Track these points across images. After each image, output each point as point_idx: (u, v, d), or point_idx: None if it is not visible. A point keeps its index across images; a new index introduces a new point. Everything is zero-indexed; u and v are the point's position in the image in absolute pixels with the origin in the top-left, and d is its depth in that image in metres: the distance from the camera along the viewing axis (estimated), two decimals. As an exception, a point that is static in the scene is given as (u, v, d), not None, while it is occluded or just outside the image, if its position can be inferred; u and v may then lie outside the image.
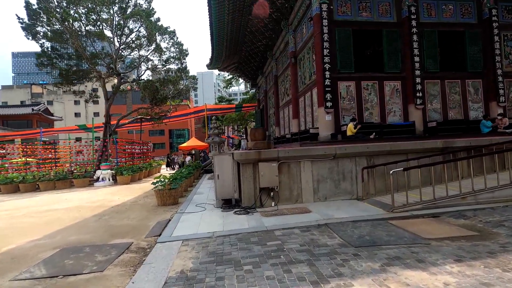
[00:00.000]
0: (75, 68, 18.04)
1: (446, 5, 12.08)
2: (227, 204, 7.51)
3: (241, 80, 40.51)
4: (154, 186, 8.67)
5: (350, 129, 9.94)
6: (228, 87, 46.39)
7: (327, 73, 10.93)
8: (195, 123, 72.70)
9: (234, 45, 20.57)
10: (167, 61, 19.28)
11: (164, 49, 19.23)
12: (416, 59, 11.45)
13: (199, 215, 6.67)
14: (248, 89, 45.84)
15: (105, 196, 11.35)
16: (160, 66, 19.69)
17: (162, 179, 8.94)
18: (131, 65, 20.50)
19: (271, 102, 22.29)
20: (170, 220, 6.58)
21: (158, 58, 19.38)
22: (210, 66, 24.96)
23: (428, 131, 11.44)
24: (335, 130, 11.03)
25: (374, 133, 10.16)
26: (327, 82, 10.91)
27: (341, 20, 11.46)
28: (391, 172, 5.98)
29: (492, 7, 11.95)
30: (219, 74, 44.34)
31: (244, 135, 36.93)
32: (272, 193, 7.02)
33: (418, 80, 11.42)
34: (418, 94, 11.40)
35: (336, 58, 11.29)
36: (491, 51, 11.96)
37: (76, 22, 16.25)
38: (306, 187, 7.20)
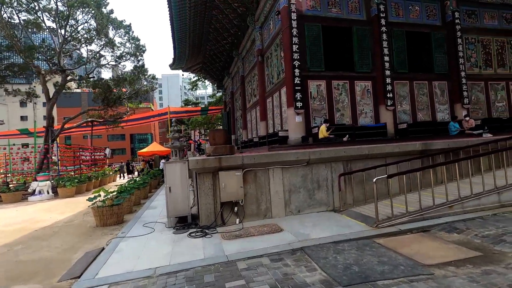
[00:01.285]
0: (6, 62, 15.34)
1: (412, 5, 11.93)
2: (182, 222, 6.16)
3: (207, 82, 38.91)
4: (92, 203, 7.02)
5: (323, 131, 9.12)
6: (194, 89, 44.46)
7: (297, 71, 10.07)
8: (160, 127, 69.11)
9: (198, 43, 19.18)
10: (121, 57, 17.27)
11: (118, 44, 17.21)
12: (386, 58, 11.07)
13: (144, 240, 5.26)
14: (215, 92, 44.31)
15: (34, 215, 9.30)
16: (113, 63, 17.58)
17: (105, 193, 7.33)
18: (79, 61, 18.11)
19: (238, 104, 21.17)
20: (103, 249, 5.08)
21: (111, 53, 17.28)
22: (173, 66, 23.24)
23: (399, 133, 11.07)
24: (306, 133, 10.18)
25: (347, 136, 9.45)
26: (297, 80, 10.05)
27: (310, 15, 10.71)
28: (374, 180, 5.12)
29: (455, 10, 12.02)
30: (182, 74, 42.17)
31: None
32: (236, 208, 5.83)
33: (388, 80, 11.03)
34: (388, 95, 11.00)
35: (306, 55, 10.50)
36: (455, 54, 12.01)
37: (6, 7, 13.75)
38: (276, 199, 6.12)
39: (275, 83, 12.37)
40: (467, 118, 10.89)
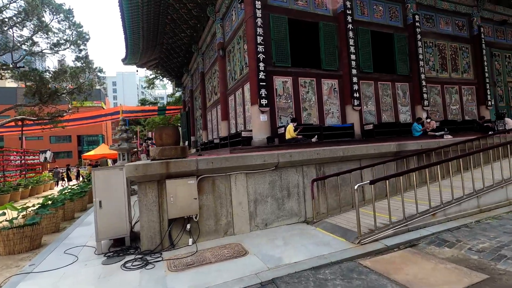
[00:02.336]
0: None
1: (376, 5, 11.78)
2: (118, 245, 4.78)
3: (166, 81, 36.49)
4: (-8, 223, 5.26)
5: (290, 131, 8.29)
6: (151, 88, 41.53)
7: (261, 65, 9.15)
8: (112, 127, 63.83)
9: (153, 35, 17.40)
10: (58, 44, 14.82)
11: (56, 30, 14.75)
12: (353, 57, 10.68)
13: (57, 278, 3.80)
14: (175, 91, 41.88)
15: None
16: (48, 51, 15.02)
17: (13, 209, 5.58)
18: (5, 47, 15.19)
19: (198, 103, 19.73)
20: (-8, 295, 3.54)
21: (46, 40, 14.73)
22: (126, 61, 21.00)
23: (365, 134, 10.74)
24: (272, 133, 9.29)
25: (316, 136, 8.74)
26: (262, 75, 9.13)
27: (276, 6, 9.89)
28: (356, 187, 4.31)
29: (415, 13, 12.16)
30: (137, 71, 39.30)
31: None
32: (189, 225, 4.63)
33: (355, 79, 10.65)
34: (355, 95, 10.61)
35: (271, 49, 9.64)
36: (415, 56, 12.12)
37: None
38: (239, 211, 5.04)
39: (238, 79, 11.34)
40: (428, 120, 10.95)
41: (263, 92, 9.06)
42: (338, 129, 10.05)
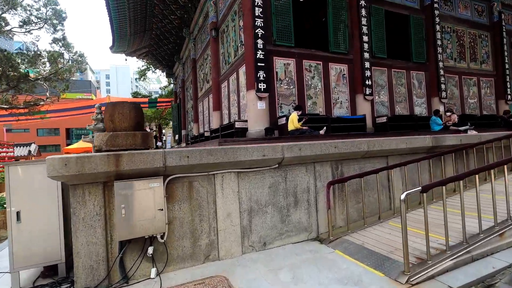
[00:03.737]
0: None
1: (392, -19, 10.33)
2: (50, 275, 3.28)
3: (159, 72, 34.63)
4: None
5: (293, 121, 6.83)
6: (143, 79, 39.64)
7: (260, 42, 7.64)
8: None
9: (141, 18, 15.75)
10: (29, 22, 13.09)
11: (27, 6, 13.00)
12: (365, 39, 9.24)
13: None
14: (168, 83, 40.03)
15: None
16: (17, 28, 13.27)
17: None
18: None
19: (189, 94, 18.13)
20: None
21: (16, 17, 12.98)
22: (114, 48, 19.29)
23: (377, 127, 9.34)
24: (271, 124, 7.83)
25: (324, 128, 7.30)
26: (260, 54, 7.63)
27: (277, -26, 8.38)
28: (403, 196, 2.85)
29: (434, -7, 10.74)
30: (125, 59, 37.50)
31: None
32: (151, 248, 3.14)
33: (367, 65, 9.21)
34: (367, 82, 9.18)
35: (272, 24, 8.14)
36: (433, 42, 10.72)
37: None
38: (227, 226, 3.57)
39: (232, 62, 9.81)
40: (449, 113, 9.58)
41: (261, 74, 7.57)
42: (348, 121, 8.62)
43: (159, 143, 19.43)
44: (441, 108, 10.56)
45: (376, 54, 9.63)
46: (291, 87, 8.39)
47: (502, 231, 3.45)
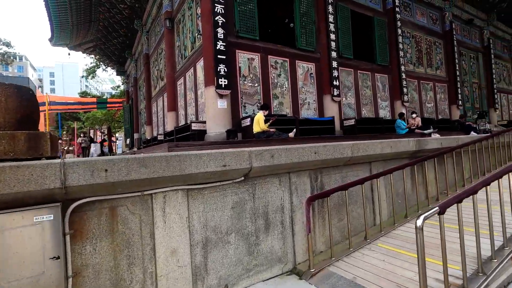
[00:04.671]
0: None
1: (356, -19, 10.09)
2: None
3: (111, 71, 31.56)
4: None
5: (260, 122, 5.92)
6: (91, 78, 35.97)
7: (220, 31, 6.65)
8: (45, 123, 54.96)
9: (84, 6, 13.78)
10: None
11: None
12: (332, 37, 8.77)
13: None
14: (120, 82, 36.80)
15: None
16: None
17: None
18: None
19: (142, 93, 16.37)
20: None
21: None
22: (54, 40, 16.86)
23: (345, 130, 8.89)
24: (233, 125, 6.85)
25: (294, 130, 6.52)
26: (220, 46, 6.63)
27: (240, -42, 7.49)
28: (420, 222, 2.06)
29: (395, -3, 10.77)
30: (69, 54, 33.91)
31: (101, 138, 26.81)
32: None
33: (334, 64, 8.73)
34: (335, 83, 8.69)
35: (234, 13, 7.21)
36: (395, 45, 10.71)
37: None
38: (171, 269, 2.48)
39: (189, 56, 8.66)
40: (414, 115, 9.53)
41: (221, 68, 6.57)
42: (317, 123, 7.99)
43: (105, 149, 17.25)
44: (403, 111, 10.54)
45: (343, 54, 9.24)
46: (256, 84, 7.51)
47: (513, 252, 2.87)
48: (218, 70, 6.55)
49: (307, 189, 3.38)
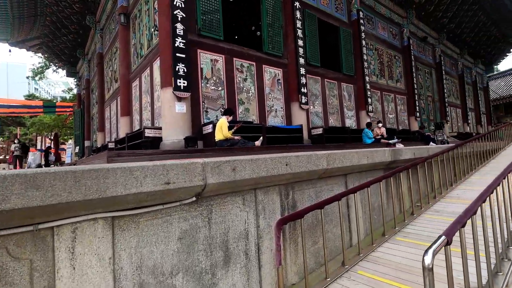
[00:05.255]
0: None
1: (323, -10, 10.07)
2: None
3: (60, 72, 28.68)
4: None
5: (223, 128, 5.27)
6: (38, 79, 32.49)
7: (180, 27, 5.96)
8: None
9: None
10: None
11: None
12: (300, 43, 8.50)
13: None
14: (73, 85, 33.72)
15: None
16: None
17: None
18: None
19: (95, 97, 14.82)
20: None
21: None
22: (-10, 34, 14.82)
23: (314, 139, 8.58)
24: (193, 132, 6.11)
25: (261, 138, 5.95)
26: (180, 43, 5.92)
27: (203, -48, 6.91)
28: (428, 258, 1.52)
29: (359, 9, 10.97)
30: (10, 51, 30.32)
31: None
32: None
33: (302, 71, 8.45)
34: (303, 90, 8.39)
35: (196, 9, 6.57)
36: (360, 56, 10.84)
37: None
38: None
39: (145, 55, 7.78)
40: (380, 125, 9.56)
41: (181, 68, 5.85)
42: (285, 131, 7.55)
43: (51, 157, 15.23)
44: (368, 121, 10.60)
45: (311, 61, 9.02)
46: (220, 88, 6.87)
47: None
48: (177, 69, 5.81)
49: (276, 208, 2.78)
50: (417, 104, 13.93)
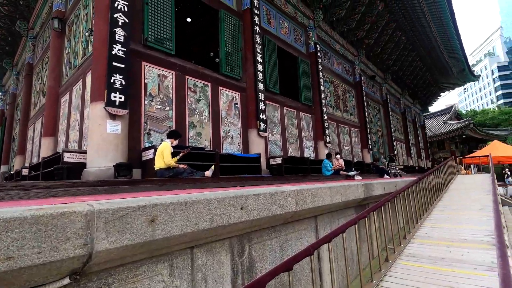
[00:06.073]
0: None
1: (282, 20, 10.09)
2: None
3: None
4: None
5: (165, 154, 4.25)
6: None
7: (120, 32, 5.03)
8: None
9: None
10: None
11: None
12: (260, 67, 8.09)
13: None
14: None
15: None
16: None
17: None
18: None
19: (19, 113, 12.52)
20: None
21: None
22: None
23: (272, 169, 7.89)
24: (130, 158, 4.95)
25: (212, 167, 5.01)
26: (118, 50, 4.95)
27: (157, -40, 6.26)
28: None
29: (316, 42, 11.23)
30: None
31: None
32: None
33: (261, 96, 7.95)
34: (261, 116, 7.82)
35: (143, 17, 5.74)
36: (318, 87, 10.88)
37: None
38: None
39: (79, 64, 6.57)
40: (338, 157, 9.32)
41: (117, 80, 4.82)
42: (242, 160, 6.74)
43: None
44: (325, 152, 10.39)
45: (270, 87, 8.62)
46: (167, 108, 5.91)
47: None
48: (112, 81, 4.76)
49: (225, 275, 1.85)
50: (369, 137, 14.40)
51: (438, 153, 32.03)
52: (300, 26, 10.91)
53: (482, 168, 19.10)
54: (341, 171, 8.75)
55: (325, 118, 10.87)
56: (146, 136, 5.48)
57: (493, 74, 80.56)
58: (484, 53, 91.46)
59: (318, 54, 11.16)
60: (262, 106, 7.89)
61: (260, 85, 7.98)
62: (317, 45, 11.19)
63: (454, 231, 4.61)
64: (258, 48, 8.16)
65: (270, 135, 8.52)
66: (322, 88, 10.98)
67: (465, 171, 19.09)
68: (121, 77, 4.87)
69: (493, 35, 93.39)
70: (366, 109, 14.68)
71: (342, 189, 3.03)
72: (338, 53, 13.53)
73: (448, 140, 29.85)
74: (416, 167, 20.97)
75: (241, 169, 6.68)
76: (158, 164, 4.21)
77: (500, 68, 79.32)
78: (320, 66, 11.10)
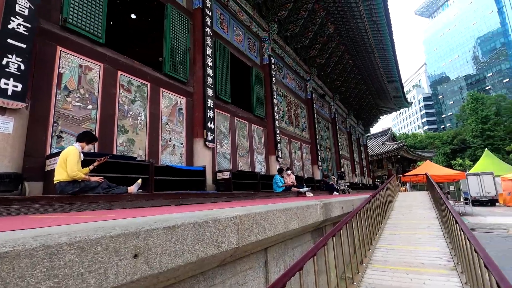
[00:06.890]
0: None
1: (237, 27, 9.64)
2: None
3: None
4: None
5: (68, 162, 3.17)
6: None
7: (23, 3, 3.87)
8: None
9: None
10: None
11: None
12: (209, 72, 7.37)
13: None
14: None
15: None
16: None
17: None
18: None
19: None
20: None
21: None
22: None
23: (219, 184, 7.05)
24: (26, 167, 3.69)
25: (139, 181, 4.00)
26: (19, 25, 3.78)
27: None
28: None
29: (271, 55, 11.02)
30: None
31: None
32: None
33: (210, 103, 7.19)
34: (209, 125, 7.03)
35: (63, -6, 4.63)
36: (271, 100, 10.55)
37: None
38: None
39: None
40: (289, 172, 8.89)
41: (12, 61, 3.62)
42: (183, 173, 5.80)
43: None
44: (277, 167, 9.95)
45: (220, 95, 7.93)
46: (89, 106, 4.77)
47: None
48: (5, 63, 3.56)
49: None
50: (319, 153, 14.52)
51: (378, 171, 34.64)
52: (255, 36, 10.59)
53: (418, 186, 20.71)
54: (292, 187, 8.31)
55: (278, 132, 10.52)
56: (56, 140, 4.25)
57: (419, 103, 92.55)
58: (413, 85, 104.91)
59: (272, 66, 10.92)
60: (210, 113, 7.12)
61: (210, 91, 7.24)
62: (271, 58, 10.95)
63: (409, 253, 4.31)
64: (209, 51, 7.46)
65: (218, 146, 7.74)
66: (275, 101, 10.68)
67: (403, 188, 20.53)
68: (20, 59, 3.69)
69: (419, 70, 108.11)
70: (316, 126, 14.90)
71: (299, 211, 2.38)
72: (292, 69, 13.56)
73: (386, 159, 32.48)
74: (360, 184, 22.06)
75: (182, 184, 5.74)
76: (59, 176, 3.11)
77: (425, 99, 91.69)
78: (273, 79, 10.84)
